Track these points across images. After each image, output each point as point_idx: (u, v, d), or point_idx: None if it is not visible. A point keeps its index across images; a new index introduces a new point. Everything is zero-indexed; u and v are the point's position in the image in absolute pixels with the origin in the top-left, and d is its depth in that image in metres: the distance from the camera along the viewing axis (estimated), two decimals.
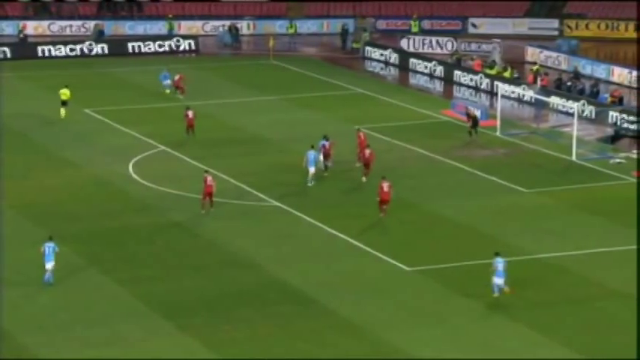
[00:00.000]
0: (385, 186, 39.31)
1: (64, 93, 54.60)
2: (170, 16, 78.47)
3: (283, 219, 39.88)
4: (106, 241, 37.15)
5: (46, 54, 70.61)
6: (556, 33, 77.47)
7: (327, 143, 44.66)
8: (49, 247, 33.69)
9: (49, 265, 33.44)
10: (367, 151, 43.97)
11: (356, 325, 30.84)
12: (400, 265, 35.24)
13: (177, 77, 59.26)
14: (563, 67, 66.97)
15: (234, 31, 76.90)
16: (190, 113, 51.01)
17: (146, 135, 51.24)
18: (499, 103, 52.49)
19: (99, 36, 75.29)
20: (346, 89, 61.64)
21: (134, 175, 45.13)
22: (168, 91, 59.02)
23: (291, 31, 77.43)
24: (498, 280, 32.10)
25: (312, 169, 42.83)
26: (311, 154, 43.06)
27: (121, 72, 66.07)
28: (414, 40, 73.49)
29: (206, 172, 41.06)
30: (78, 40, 73.51)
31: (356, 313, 31.52)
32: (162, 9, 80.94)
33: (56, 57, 70.24)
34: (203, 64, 68.87)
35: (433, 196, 42.07)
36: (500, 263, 32.21)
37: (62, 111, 54.22)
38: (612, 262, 35.73)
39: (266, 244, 37.39)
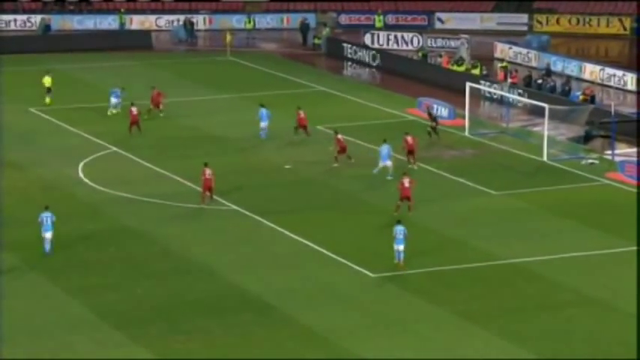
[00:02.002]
0: (406, 182, 39.90)
1: (47, 80, 55.53)
2: (122, 10, 78.20)
3: (243, 223, 39.89)
4: (55, 248, 36.91)
5: None
6: (525, 28, 78.19)
7: (340, 137, 46.27)
8: (46, 217, 35.54)
9: (48, 235, 35.36)
10: (409, 138, 45.63)
11: (318, 333, 30.93)
12: (364, 271, 35.38)
13: (155, 92, 53.99)
14: (533, 63, 67.57)
15: (189, 25, 76.82)
16: (134, 110, 50.88)
17: (96, 135, 51.04)
18: (467, 102, 52.84)
19: (45, 31, 74.87)
20: (307, 87, 61.78)
21: (84, 178, 44.94)
22: (113, 111, 53.70)
23: (249, 26, 77.49)
24: (398, 247, 34.96)
25: (388, 163, 44.10)
26: (384, 148, 44.31)
27: (68, 69, 65.69)
28: (378, 35, 73.84)
29: (205, 164, 41.16)
30: (23, 34, 73.11)
31: (318, 322, 31.61)
32: (114, 3, 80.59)
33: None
34: (156, 61, 68.70)
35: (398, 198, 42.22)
36: (400, 232, 34.96)
37: (47, 99, 55.34)
38: (585, 267, 36.08)
39: (224, 249, 37.39)
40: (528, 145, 50.15)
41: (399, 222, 35.51)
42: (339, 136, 46.48)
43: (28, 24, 77.00)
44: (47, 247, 35.93)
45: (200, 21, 79.11)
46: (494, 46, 71.11)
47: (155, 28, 77.86)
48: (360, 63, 69.06)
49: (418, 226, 39.34)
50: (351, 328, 31.30)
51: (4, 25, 76.50)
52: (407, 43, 73.09)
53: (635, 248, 37.28)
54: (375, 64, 68.08)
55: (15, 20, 77.39)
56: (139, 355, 29.58)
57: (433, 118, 51.31)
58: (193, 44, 75.92)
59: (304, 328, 31.23)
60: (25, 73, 63.71)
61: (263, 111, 49.88)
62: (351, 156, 46.34)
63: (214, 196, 41.48)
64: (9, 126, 52.75)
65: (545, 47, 70.57)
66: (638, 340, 30.39)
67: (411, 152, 45.80)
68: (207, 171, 40.96)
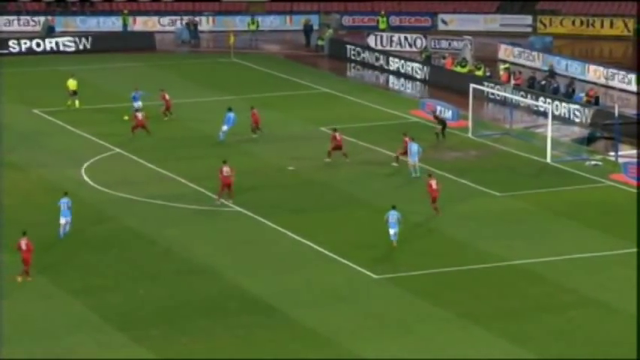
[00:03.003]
0: (433, 183, 40.19)
1: (72, 83, 55.57)
2: (125, 11, 78.27)
3: (245, 224, 39.95)
4: (57, 249, 37.02)
5: None
6: (529, 30, 78.18)
7: (338, 135, 46.74)
8: (64, 203, 37.26)
9: (63, 220, 36.97)
10: (407, 139, 46.03)
11: (320, 334, 30.98)
12: (367, 272, 35.42)
13: (167, 96, 53.62)
14: (537, 65, 67.57)
15: (192, 26, 76.86)
16: (140, 115, 50.80)
17: (99, 136, 51.10)
18: (470, 103, 52.86)
19: (49, 32, 74.94)
20: (310, 88, 61.82)
21: (87, 179, 45.01)
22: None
23: (253, 27, 77.54)
24: (392, 230, 36.75)
25: (414, 160, 44.88)
26: (414, 146, 44.93)
27: (71, 70, 65.74)
28: (381, 37, 73.86)
29: (224, 162, 41.43)
30: (26, 35, 73.17)
31: (320, 323, 31.65)
32: (116, 4, 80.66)
33: (2, 54, 69.77)
34: (159, 62, 68.76)
35: (401, 200, 42.20)
36: (393, 215, 36.72)
37: (71, 102, 55.34)
38: (587, 269, 36.10)
39: (226, 251, 37.44)
40: (532, 146, 50.17)
41: (393, 207, 36.74)
42: (336, 134, 46.60)
43: (32, 23, 77.05)
44: (62, 231, 37.38)
45: (203, 22, 79.17)
46: (497, 47, 71.11)
47: (158, 29, 77.91)
48: (363, 64, 68.95)
49: (421, 227, 39.42)
50: (354, 329, 31.35)
51: (6, 26, 76.61)
52: (410, 45, 73.11)
53: (636, 250, 37.28)
54: (378, 65, 68.03)
55: (18, 19, 77.41)
56: (141, 356, 29.64)
57: (440, 120, 51.31)
58: (196, 45, 75.97)
59: (307, 330, 31.27)
60: (27, 74, 63.83)
61: (230, 115, 49.78)
62: (347, 154, 46.41)
63: (220, 197, 41.53)
64: (12, 127, 52.83)
65: (548, 48, 70.58)
66: (639, 340, 30.48)
67: (406, 154, 45.73)
68: (225, 168, 41.09)
